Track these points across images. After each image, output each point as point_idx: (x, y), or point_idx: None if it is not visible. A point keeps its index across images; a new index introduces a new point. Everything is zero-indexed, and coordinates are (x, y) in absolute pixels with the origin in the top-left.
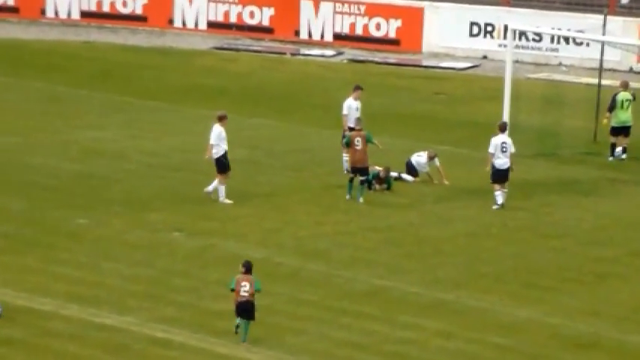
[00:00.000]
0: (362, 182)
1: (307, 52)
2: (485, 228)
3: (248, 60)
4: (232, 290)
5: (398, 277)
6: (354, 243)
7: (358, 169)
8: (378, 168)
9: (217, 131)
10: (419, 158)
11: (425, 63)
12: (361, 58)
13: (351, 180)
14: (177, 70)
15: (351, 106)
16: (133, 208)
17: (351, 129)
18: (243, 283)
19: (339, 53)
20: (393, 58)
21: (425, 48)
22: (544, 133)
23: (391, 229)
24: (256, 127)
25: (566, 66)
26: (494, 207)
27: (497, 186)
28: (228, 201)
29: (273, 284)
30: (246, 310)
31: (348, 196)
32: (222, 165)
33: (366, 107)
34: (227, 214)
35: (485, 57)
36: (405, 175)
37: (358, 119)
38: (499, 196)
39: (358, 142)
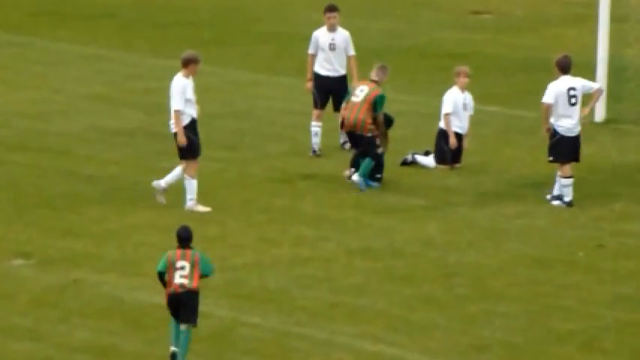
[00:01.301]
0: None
1: None
2: (562, 250)
3: None
4: (161, 276)
5: (410, 344)
6: (329, 279)
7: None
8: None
9: (180, 87)
10: None
11: None
12: None
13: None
14: None
15: (324, 44)
16: None
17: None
18: (179, 263)
19: None
20: None
21: None
22: None
23: (396, 254)
24: (161, 70)
25: None
26: (556, 202)
27: (565, 168)
28: (202, 208)
29: None
30: (185, 306)
31: (348, 172)
32: (190, 145)
33: (358, 38)
34: (107, 227)
35: None
36: (421, 158)
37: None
38: (567, 187)
39: (360, 92)
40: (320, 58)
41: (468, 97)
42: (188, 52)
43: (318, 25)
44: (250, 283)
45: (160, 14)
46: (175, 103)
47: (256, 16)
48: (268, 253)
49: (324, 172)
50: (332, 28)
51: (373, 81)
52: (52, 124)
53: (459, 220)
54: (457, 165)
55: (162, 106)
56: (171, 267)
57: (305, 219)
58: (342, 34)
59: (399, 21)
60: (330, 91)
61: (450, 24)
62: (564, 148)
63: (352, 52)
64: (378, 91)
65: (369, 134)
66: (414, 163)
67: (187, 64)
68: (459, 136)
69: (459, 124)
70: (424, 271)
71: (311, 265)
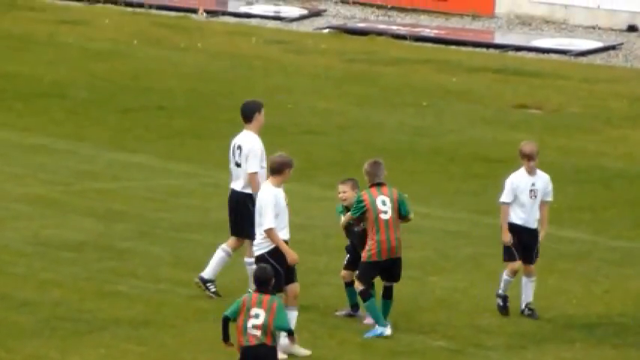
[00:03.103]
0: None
1: (242, 9)
2: None
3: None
4: (226, 323)
5: None
6: None
7: (389, 265)
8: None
9: (272, 198)
10: None
11: (499, 40)
12: (359, 27)
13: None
14: None
15: None
16: None
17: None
18: (254, 311)
19: (313, 14)
20: (430, 27)
21: (500, 8)
22: None
23: None
24: (121, 168)
25: None
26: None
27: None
28: (302, 350)
29: None
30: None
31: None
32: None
33: (371, 134)
34: None
35: (633, 28)
36: None
37: None
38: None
39: (386, 210)
40: None
41: (538, 182)
42: (282, 157)
43: (320, 117)
44: None
45: (122, 96)
46: (268, 221)
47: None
48: None
49: (322, 304)
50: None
51: (383, 183)
52: None
53: None
54: (530, 266)
55: (120, 214)
56: (243, 313)
57: None
58: None
59: (423, 114)
60: None
61: (487, 119)
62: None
63: None
64: (395, 190)
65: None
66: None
67: (282, 170)
68: (521, 229)
69: (522, 216)
70: None
71: None
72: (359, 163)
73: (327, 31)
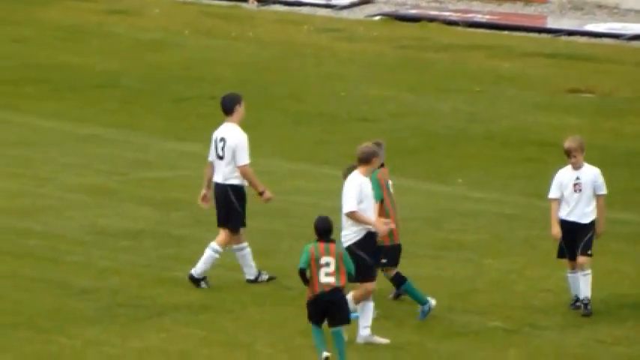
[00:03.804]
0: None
1: None
2: None
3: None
4: (304, 273)
5: None
6: None
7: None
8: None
9: (357, 186)
10: None
11: (551, 24)
12: (410, 13)
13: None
14: None
15: None
16: None
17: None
18: (324, 259)
19: (364, 1)
20: (482, 12)
21: None
22: None
23: None
24: (176, 157)
25: None
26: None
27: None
28: (380, 339)
29: None
30: (334, 306)
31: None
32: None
33: (424, 120)
34: (106, 353)
35: None
36: None
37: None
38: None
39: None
40: None
41: (584, 175)
42: (369, 146)
43: (373, 104)
44: None
45: (174, 86)
46: (350, 204)
47: (295, 92)
48: None
49: (378, 286)
50: None
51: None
52: (35, 223)
53: (545, 346)
54: (579, 260)
55: (176, 202)
56: (314, 263)
57: (352, 343)
58: None
59: (476, 100)
60: None
61: (540, 104)
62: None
63: None
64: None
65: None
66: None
67: (370, 159)
68: (567, 224)
69: (567, 210)
70: None
71: None
72: (412, 150)
73: (378, 18)
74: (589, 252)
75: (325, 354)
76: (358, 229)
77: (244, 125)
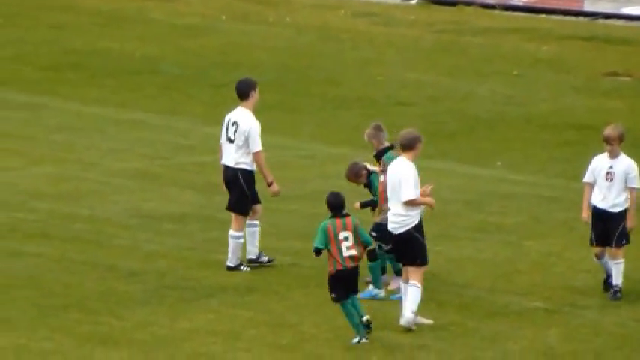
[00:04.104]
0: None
1: None
2: None
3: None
4: (318, 252)
5: None
6: None
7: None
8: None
9: (413, 173)
10: None
11: (588, 7)
12: None
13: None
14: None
15: None
16: None
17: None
18: (343, 234)
19: None
20: None
21: None
22: None
23: None
24: (217, 141)
25: None
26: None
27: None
28: (424, 320)
29: None
30: (354, 279)
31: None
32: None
33: (462, 104)
34: (154, 333)
35: None
36: None
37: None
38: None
39: None
40: None
41: (617, 165)
42: (412, 132)
43: (411, 88)
44: None
45: (212, 71)
46: (411, 192)
47: (332, 77)
48: None
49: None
50: None
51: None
52: (80, 207)
53: (585, 325)
54: (611, 249)
55: (219, 186)
56: (333, 240)
57: (395, 322)
58: None
59: (514, 83)
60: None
61: (578, 88)
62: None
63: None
64: None
65: None
66: None
67: (414, 145)
68: (597, 211)
69: (599, 198)
70: None
71: None
72: (450, 133)
73: (415, 2)
74: (623, 242)
75: (366, 317)
76: (415, 214)
77: (259, 109)
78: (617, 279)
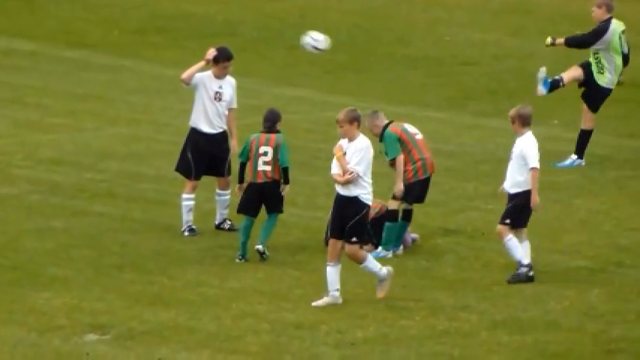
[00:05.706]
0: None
1: None
2: None
3: None
4: (243, 163)
5: None
6: (467, 358)
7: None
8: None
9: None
10: None
11: None
12: None
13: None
14: None
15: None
16: None
17: None
18: (262, 149)
19: None
20: None
21: None
22: None
23: (549, 327)
24: (288, 102)
25: None
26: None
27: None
28: None
29: None
30: (271, 195)
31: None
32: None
33: (522, 63)
34: (203, 294)
35: None
36: None
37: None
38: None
39: (417, 132)
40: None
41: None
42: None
43: (479, 48)
44: None
45: (288, 33)
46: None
47: (402, 37)
48: (396, 324)
49: (470, 227)
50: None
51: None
52: (149, 167)
53: (629, 285)
54: None
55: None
56: (252, 153)
57: (443, 283)
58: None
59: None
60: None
61: (635, 45)
62: None
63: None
64: None
65: None
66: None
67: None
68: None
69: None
70: (581, 347)
71: (446, 340)
72: (512, 92)
73: None
74: None
75: (261, 247)
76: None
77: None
78: None
